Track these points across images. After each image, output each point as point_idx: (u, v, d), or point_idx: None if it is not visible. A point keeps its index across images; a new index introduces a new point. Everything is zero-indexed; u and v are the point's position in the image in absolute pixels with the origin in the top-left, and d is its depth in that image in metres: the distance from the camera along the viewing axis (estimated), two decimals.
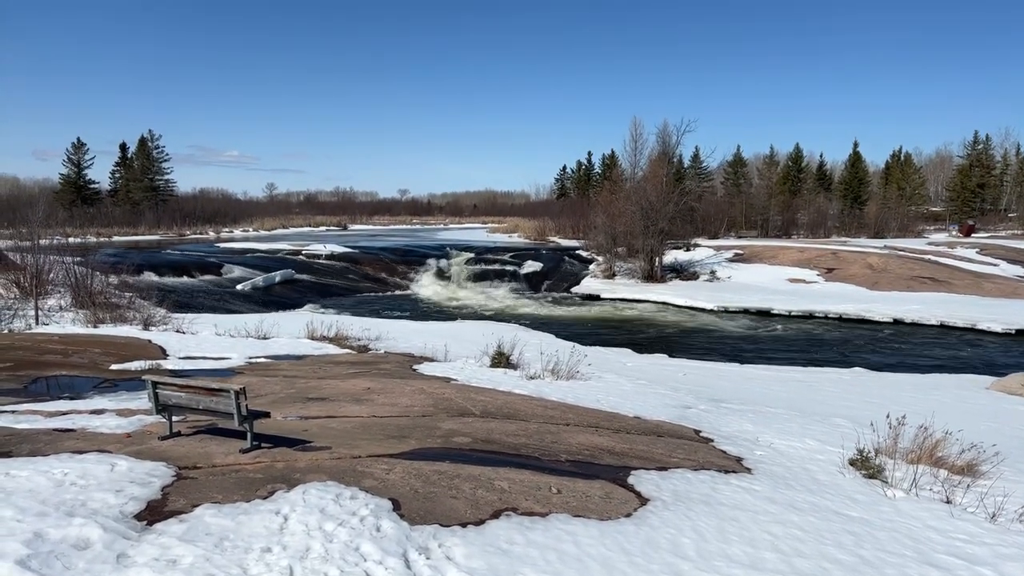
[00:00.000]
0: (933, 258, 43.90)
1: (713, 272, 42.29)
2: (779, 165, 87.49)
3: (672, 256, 45.42)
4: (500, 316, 31.48)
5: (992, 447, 7.73)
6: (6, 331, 18.08)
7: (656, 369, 17.60)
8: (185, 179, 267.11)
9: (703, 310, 33.27)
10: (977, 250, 48.73)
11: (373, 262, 45.31)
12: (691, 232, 49.80)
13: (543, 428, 8.57)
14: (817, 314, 31.06)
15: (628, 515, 5.55)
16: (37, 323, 19.78)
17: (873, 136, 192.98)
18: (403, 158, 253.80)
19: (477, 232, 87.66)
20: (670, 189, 43.40)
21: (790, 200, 74.89)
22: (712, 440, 8.78)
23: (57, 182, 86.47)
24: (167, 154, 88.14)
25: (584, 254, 48.88)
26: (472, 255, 46.62)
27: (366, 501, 5.29)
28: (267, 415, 7.33)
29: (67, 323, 20.07)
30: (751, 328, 28.77)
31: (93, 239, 45.16)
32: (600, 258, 46.06)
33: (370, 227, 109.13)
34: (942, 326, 28.04)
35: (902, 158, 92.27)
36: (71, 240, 29.76)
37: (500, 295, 39.59)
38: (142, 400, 8.96)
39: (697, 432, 9.25)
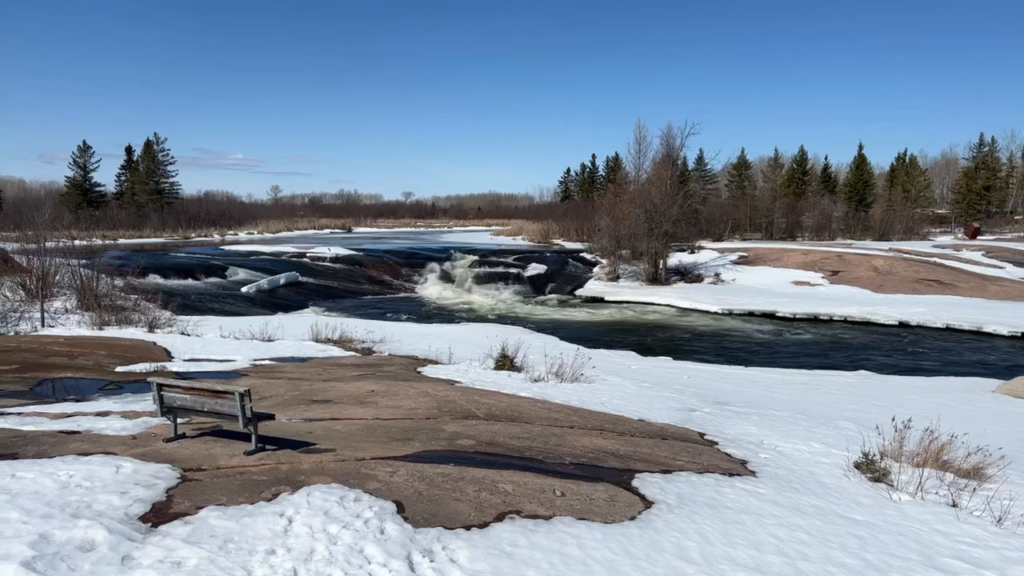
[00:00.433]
0: (939, 261, 43.74)
1: (717, 275, 42.22)
2: (783, 167, 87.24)
3: (676, 259, 45.35)
4: (504, 318, 31.48)
5: (998, 450, 7.70)
6: (12, 333, 18.15)
7: (660, 372, 17.57)
8: (190, 182, 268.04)
9: (707, 312, 33.20)
10: (983, 252, 48.54)
11: (377, 265, 45.35)
12: (695, 235, 49.71)
13: (547, 431, 8.56)
14: (822, 317, 30.97)
15: (632, 518, 5.54)
16: (43, 325, 19.86)
17: (878, 138, 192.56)
18: (407, 161, 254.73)
19: (481, 235, 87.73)
20: (674, 192, 43.34)
21: (794, 202, 74.69)
22: (716, 443, 8.76)
23: (63, 185, 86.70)
24: (172, 157, 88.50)
25: (588, 257, 48.85)
26: (476, 258, 46.63)
27: (370, 503, 5.29)
28: (272, 417, 7.34)
29: (73, 325, 20.13)
30: (755, 331, 28.70)
31: (99, 242, 45.38)
32: (604, 261, 46.01)
33: (374, 230, 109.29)
34: (948, 329, 27.93)
35: (907, 160, 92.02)
36: (77, 243, 29.84)
37: (504, 298, 39.59)
38: (147, 402, 8.99)
39: (701, 435, 9.23)
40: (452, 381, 12.35)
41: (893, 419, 8.05)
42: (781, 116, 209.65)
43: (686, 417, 10.52)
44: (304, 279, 40.32)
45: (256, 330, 19.01)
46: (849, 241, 62.67)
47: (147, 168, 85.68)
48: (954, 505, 6.50)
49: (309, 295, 37.29)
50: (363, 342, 18.41)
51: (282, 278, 38.91)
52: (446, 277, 43.43)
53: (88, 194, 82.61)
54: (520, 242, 67.70)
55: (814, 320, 30.77)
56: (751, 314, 32.25)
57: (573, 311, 34.92)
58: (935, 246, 54.64)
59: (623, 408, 10.81)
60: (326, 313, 30.34)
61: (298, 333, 19.33)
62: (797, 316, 31.31)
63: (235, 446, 6.98)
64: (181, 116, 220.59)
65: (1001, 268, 43.02)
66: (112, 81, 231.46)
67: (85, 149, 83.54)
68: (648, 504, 5.92)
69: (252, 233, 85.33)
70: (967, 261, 44.55)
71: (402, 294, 40.83)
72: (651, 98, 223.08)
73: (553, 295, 40.97)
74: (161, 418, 7.53)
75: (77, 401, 9.79)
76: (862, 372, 19.01)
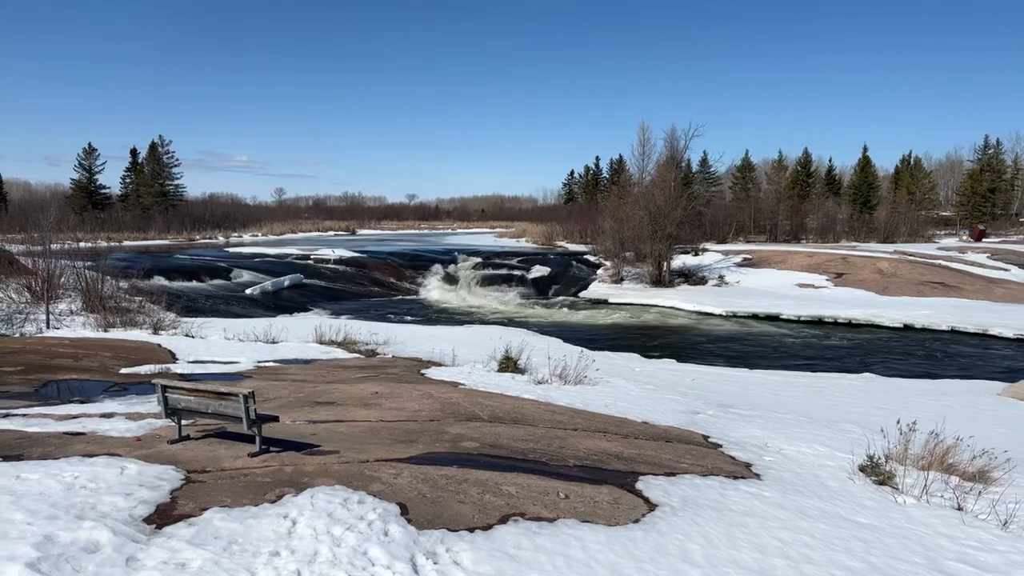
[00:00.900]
0: (943, 263, 43.58)
1: (721, 277, 42.16)
2: (788, 170, 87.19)
3: (680, 261, 45.29)
4: (508, 321, 31.48)
5: (1004, 453, 7.66)
6: (17, 335, 18.21)
7: (664, 374, 17.55)
8: (195, 184, 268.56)
9: (711, 315, 33.15)
10: (988, 255, 48.34)
11: (381, 267, 45.41)
12: (699, 237, 49.66)
13: (551, 433, 8.56)
14: (826, 319, 30.90)
15: (636, 521, 5.53)
16: (48, 327, 19.92)
17: (883, 140, 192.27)
18: (411, 163, 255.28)
19: (485, 237, 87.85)
20: (678, 194, 43.30)
21: (799, 205, 74.56)
22: (720, 446, 8.75)
23: (68, 187, 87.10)
24: (177, 159, 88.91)
25: (592, 259, 48.82)
26: (480, 260, 46.67)
27: (374, 505, 5.29)
28: (276, 419, 7.35)
29: (78, 327, 20.19)
30: (759, 333, 28.65)
31: (104, 244, 45.52)
32: (608, 263, 45.98)
33: (378, 232, 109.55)
34: (953, 331, 27.83)
35: (912, 162, 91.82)
36: (82, 245, 29.93)
37: (508, 300, 39.59)
38: (152, 404, 9.01)
39: (705, 437, 9.21)
40: (456, 383, 12.36)
41: (898, 422, 8.03)
42: (785, 118, 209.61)
43: (690, 419, 10.51)
44: (308, 281, 40.40)
45: (260, 332, 19.05)
46: (853, 243, 62.51)
47: (152, 170, 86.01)
48: (959, 508, 6.48)
49: (313, 297, 37.35)
50: (367, 344, 18.43)
51: (286, 280, 38.99)
52: (450, 279, 43.46)
53: (93, 196, 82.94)
54: (524, 244, 67.75)
55: (818, 322, 30.70)
56: (755, 316, 32.19)
57: (577, 313, 34.91)
58: (940, 248, 54.46)
59: (627, 410, 10.80)
60: (330, 315, 30.39)
61: (302, 335, 19.36)
62: (801, 318, 31.25)
63: (239, 448, 6.99)
64: (186, 118, 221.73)
65: (1006, 270, 42.84)
66: (117, 83, 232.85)
67: (90, 151, 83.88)
68: (652, 507, 5.91)
69: (256, 235, 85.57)
70: (972, 263, 44.38)
71: (406, 296, 40.87)
72: (655, 100, 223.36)
73: (557, 297, 40.95)
74: (165, 420, 7.55)
75: (82, 403, 9.82)
76: (866, 375, 18.96)
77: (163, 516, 4.96)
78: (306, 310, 33.33)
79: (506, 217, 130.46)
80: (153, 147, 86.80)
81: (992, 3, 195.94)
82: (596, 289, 41.93)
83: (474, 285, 42.35)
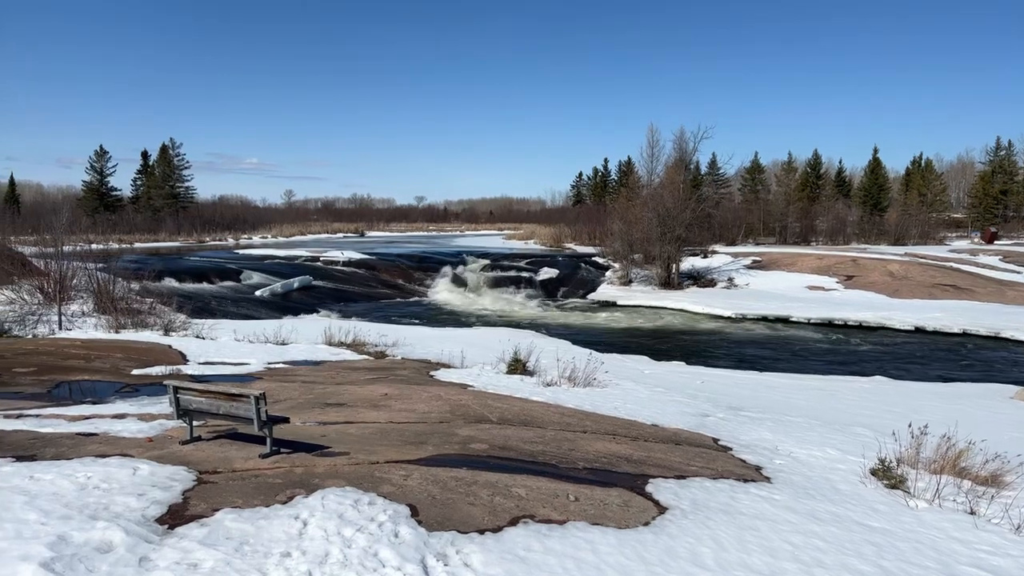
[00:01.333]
0: (955, 265, 43.29)
1: (731, 279, 42.02)
2: (797, 171, 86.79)
3: (689, 263, 45.17)
4: (516, 323, 31.48)
5: (1017, 457, 7.60)
6: (30, 336, 18.37)
7: (673, 376, 17.50)
8: (205, 186, 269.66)
9: (721, 317, 33.05)
10: (1000, 257, 48.01)
11: (390, 268, 45.52)
12: (708, 239, 49.54)
13: (560, 435, 8.55)
14: (836, 322, 30.75)
15: (646, 524, 5.52)
16: (60, 328, 20.08)
17: (893, 142, 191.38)
18: (420, 165, 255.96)
19: (493, 239, 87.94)
20: (687, 196, 43.22)
21: (808, 207, 74.23)
22: (731, 449, 8.72)
23: (80, 189, 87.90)
24: (187, 162, 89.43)
25: (600, 261, 48.77)
26: (488, 262, 46.71)
27: (384, 507, 5.31)
28: (286, 420, 7.38)
29: (89, 328, 20.34)
30: (769, 335, 28.54)
31: (115, 245, 45.73)
32: (616, 265, 45.92)
33: (387, 234, 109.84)
34: (964, 334, 27.64)
35: (923, 164, 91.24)
36: (94, 247, 30.12)
37: (516, 302, 39.58)
38: (163, 405, 9.06)
39: (715, 440, 9.19)
40: (465, 385, 12.37)
41: (909, 425, 7.98)
42: (795, 120, 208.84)
43: (699, 422, 10.48)
44: (317, 283, 40.55)
45: (270, 333, 19.12)
46: (864, 246, 62.20)
47: (163, 173, 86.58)
48: (972, 512, 6.43)
49: (322, 299, 37.48)
50: (376, 346, 18.47)
51: (296, 282, 39.15)
52: (458, 281, 43.51)
53: (105, 198, 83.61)
54: (532, 246, 67.78)
55: (828, 325, 30.55)
56: (765, 319, 32.07)
57: (585, 315, 34.88)
58: (951, 251, 54.11)
59: (636, 413, 10.78)
60: (339, 317, 30.47)
61: (311, 337, 19.42)
62: (811, 321, 31.11)
63: (250, 449, 7.02)
64: (196, 121, 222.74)
65: (1018, 273, 42.49)
66: (129, 86, 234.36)
67: (102, 154, 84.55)
68: (662, 510, 5.90)
69: (266, 237, 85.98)
70: (984, 266, 44.07)
71: (414, 298, 40.94)
72: (664, 102, 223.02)
73: (565, 299, 40.93)
74: (177, 421, 7.60)
75: (94, 403, 9.89)
76: (877, 378, 18.85)
77: (175, 517, 4.99)
78: (315, 312, 33.45)
79: (514, 219, 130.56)
80: (164, 149, 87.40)
81: (1003, 4, 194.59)
82: (605, 291, 41.88)
83: (482, 287, 42.38)
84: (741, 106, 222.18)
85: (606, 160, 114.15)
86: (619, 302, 38.40)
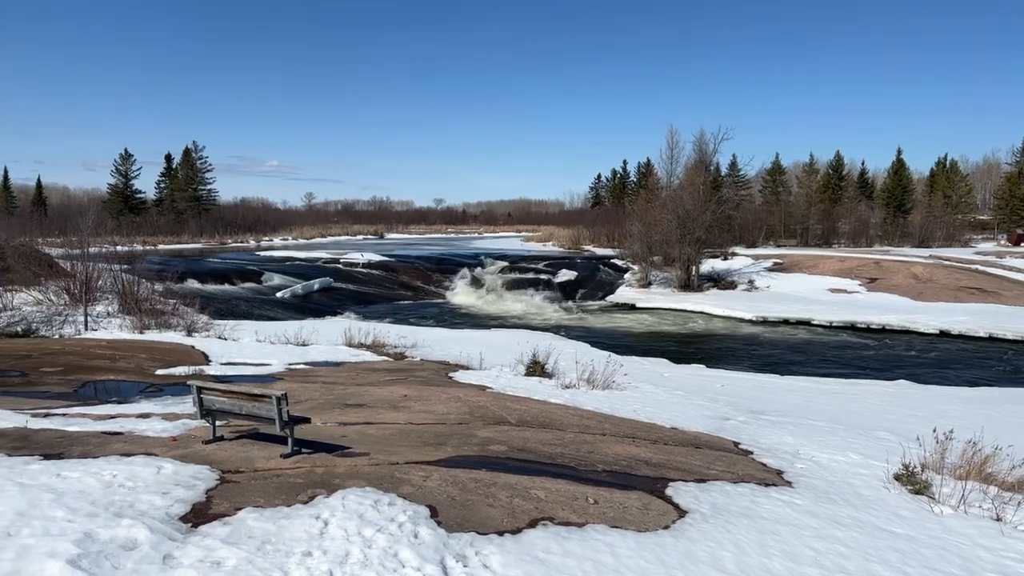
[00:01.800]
0: (981, 268, 42.57)
1: (751, 281, 41.65)
2: (819, 173, 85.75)
3: (709, 265, 44.84)
4: (534, 325, 31.46)
5: None
6: (57, 336, 18.69)
7: (693, 379, 17.39)
8: (227, 189, 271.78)
9: (741, 320, 32.78)
10: None
11: (409, 270, 45.71)
12: (728, 241, 49.14)
13: (579, 438, 8.54)
14: (859, 325, 30.36)
15: (666, 527, 5.49)
16: (86, 329, 20.40)
17: (917, 143, 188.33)
18: (438, 168, 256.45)
19: (511, 241, 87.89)
20: (707, 197, 42.92)
21: (830, 208, 73.36)
22: (751, 452, 8.65)
23: (105, 192, 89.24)
24: (210, 164, 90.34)
25: (619, 263, 48.57)
26: (507, 264, 46.72)
27: (404, 508, 5.34)
28: (307, 421, 7.44)
29: (114, 329, 20.64)
30: (791, 338, 28.26)
31: (139, 247, 46.50)
32: (635, 267, 45.70)
33: (406, 236, 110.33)
34: (991, 338, 27.17)
35: (948, 165, 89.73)
36: (118, 248, 30.57)
37: (535, 304, 39.54)
38: (186, 405, 9.18)
39: (736, 444, 9.12)
40: (483, 387, 12.39)
41: (934, 430, 7.86)
42: (816, 121, 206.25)
43: (720, 426, 10.41)
44: (337, 284, 40.83)
45: (291, 335, 19.29)
46: (887, 248, 61.40)
47: (186, 175, 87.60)
48: (998, 519, 6.33)
49: (342, 300, 37.72)
50: (395, 347, 18.56)
51: (316, 283, 39.46)
52: (476, 283, 43.56)
53: (129, 201, 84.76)
54: (550, 248, 67.68)
55: (851, 328, 30.18)
56: (786, 322, 31.75)
57: (604, 317, 34.77)
58: (977, 253, 53.25)
59: (655, 416, 10.73)
60: (359, 318, 30.64)
61: (332, 338, 19.57)
62: (834, 324, 30.74)
63: (272, 449, 7.09)
64: (218, 123, 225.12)
65: None
66: (153, 89, 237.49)
67: (127, 157, 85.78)
68: (682, 513, 5.87)
69: (287, 239, 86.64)
70: (1011, 268, 43.28)
71: (433, 300, 41.07)
72: (683, 103, 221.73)
73: (584, 301, 40.82)
74: (200, 420, 7.69)
75: (119, 403, 10.04)
76: (901, 382, 18.59)
77: (199, 515, 5.05)
78: (335, 313, 33.66)
79: (532, 221, 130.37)
80: (187, 152, 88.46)
81: None
82: (623, 293, 41.69)
83: (500, 289, 42.38)
84: (762, 107, 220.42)
85: (625, 162, 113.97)
86: (638, 304, 38.21)
